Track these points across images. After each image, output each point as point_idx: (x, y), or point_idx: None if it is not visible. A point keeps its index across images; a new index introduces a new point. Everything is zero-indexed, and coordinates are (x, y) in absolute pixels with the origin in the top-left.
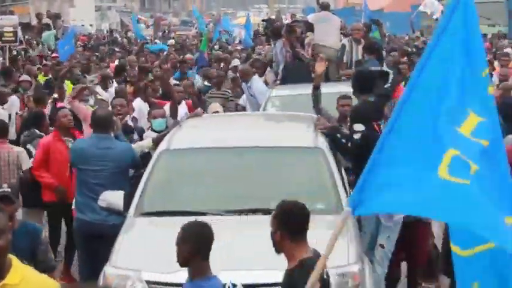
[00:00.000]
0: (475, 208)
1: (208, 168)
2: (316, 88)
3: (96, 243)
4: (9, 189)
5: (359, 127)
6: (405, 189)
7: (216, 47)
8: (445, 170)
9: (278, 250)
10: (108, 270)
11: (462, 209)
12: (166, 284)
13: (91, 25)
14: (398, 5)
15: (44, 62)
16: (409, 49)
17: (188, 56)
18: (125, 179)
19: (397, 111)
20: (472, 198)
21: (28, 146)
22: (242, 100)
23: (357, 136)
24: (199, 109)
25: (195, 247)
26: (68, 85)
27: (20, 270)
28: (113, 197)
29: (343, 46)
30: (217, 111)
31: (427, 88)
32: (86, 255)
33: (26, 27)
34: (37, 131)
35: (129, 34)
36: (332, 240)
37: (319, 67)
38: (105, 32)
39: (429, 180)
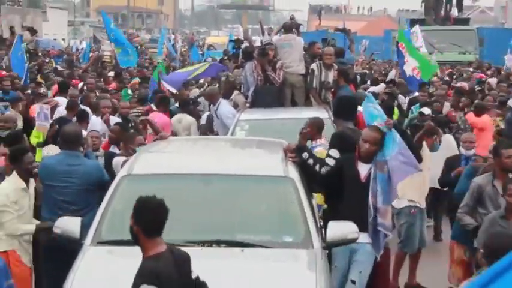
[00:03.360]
0: None
1: (171, 196)
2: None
3: (62, 259)
4: None
5: (334, 153)
6: None
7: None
8: None
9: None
10: None
11: None
12: None
13: (63, 39)
14: (372, 29)
15: None
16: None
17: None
18: (92, 197)
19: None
20: None
21: None
22: (202, 119)
23: (330, 162)
24: (164, 132)
25: None
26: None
27: None
28: (69, 224)
29: (312, 71)
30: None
31: None
32: (51, 274)
33: None
34: None
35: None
36: None
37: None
38: (76, 49)
39: None
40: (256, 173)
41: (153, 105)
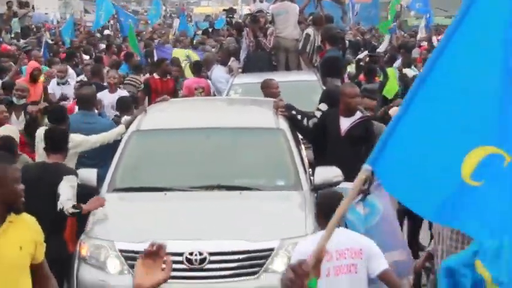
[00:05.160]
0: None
1: (176, 147)
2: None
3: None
4: None
5: (323, 106)
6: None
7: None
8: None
9: None
10: (84, 239)
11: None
12: (137, 252)
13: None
14: None
15: None
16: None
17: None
18: (107, 152)
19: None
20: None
21: None
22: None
23: (318, 114)
24: (165, 95)
25: None
26: None
27: None
28: (87, 174)
29: (308, 35)
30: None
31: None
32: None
33: None
34: None
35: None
36: (347, 200)
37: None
38: (55, 22)
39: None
40: (251, 126)
41: (155, 74)
